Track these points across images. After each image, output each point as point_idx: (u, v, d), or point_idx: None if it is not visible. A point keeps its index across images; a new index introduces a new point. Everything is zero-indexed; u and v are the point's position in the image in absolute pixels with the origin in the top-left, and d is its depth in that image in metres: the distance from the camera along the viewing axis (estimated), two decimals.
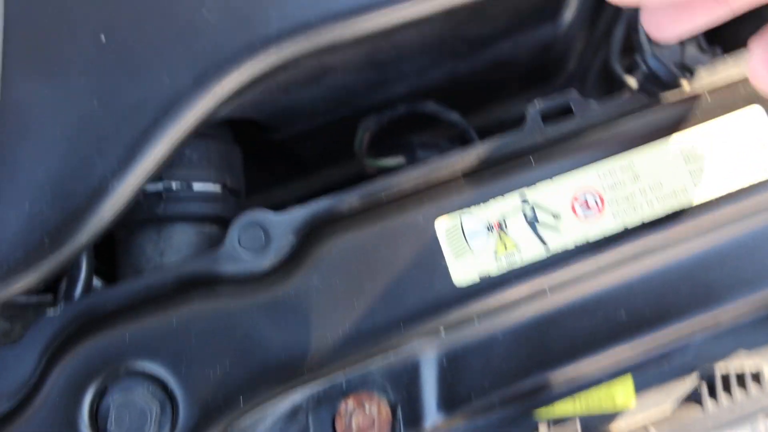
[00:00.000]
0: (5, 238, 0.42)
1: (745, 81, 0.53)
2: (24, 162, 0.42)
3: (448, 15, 0.47)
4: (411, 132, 0.65)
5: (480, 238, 0.49)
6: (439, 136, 0.65)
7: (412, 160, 0.63)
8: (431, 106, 0.60)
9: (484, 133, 0.66)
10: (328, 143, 0.65)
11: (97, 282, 0.57)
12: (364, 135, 0.60)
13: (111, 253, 0.57)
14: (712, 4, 0.42)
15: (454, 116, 0.60)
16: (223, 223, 0.56)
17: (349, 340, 0.48)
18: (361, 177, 0.67)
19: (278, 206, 0.74)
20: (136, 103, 0.43)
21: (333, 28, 0.45)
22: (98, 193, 0.43)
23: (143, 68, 0.43)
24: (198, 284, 0.48)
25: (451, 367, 0.52)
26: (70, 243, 0.43)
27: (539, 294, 0.51)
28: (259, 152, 0.64)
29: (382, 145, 0.64)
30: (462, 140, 0.62)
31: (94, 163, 0.43)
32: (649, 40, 0.53)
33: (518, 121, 0.52)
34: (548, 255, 0.50)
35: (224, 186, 0.56)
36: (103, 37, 0.43)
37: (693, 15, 0.43)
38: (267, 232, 0.49)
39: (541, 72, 0.66)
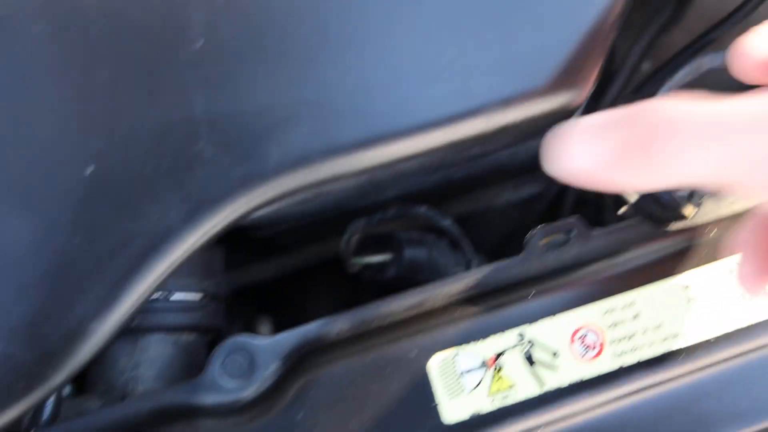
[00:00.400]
0: None
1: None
2: None
3: (453, 146, 0.45)
4: (399, 228, 0.62)
5: (473, 376, 0.47)
6: (425, 229, 0.63)
7: (399, 258, 0.61)
8: (423, 211, 0.58)
9: (471, 221, 0.65)
10: (312, 235, 0.63)
11: (66, 388, 0.54)
12: (350, 238, 0.58)
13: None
14: None
15: (447, 223, 0.58)
16: (202, 331, 0.53)
17: None
18: (339, 258, 0.65)
19: (255, 284, 0.72)
20: (122, 241, 0.40)
21: (334, 163, 0.42)
22: (76, 335, 0.40)
23: (132, 203, 0.40)
24: (176, 417, 0.46)
25: None
26: (44, 385, 0.40)
27: (533, 430, 0.49)
28: (240, 241, 0.61)
29: (367, 239, 0.62)
30: (451, 242, 0.60)
31: (74, 303, 0.40)
32: None
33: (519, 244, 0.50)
34: (543, 393, 0.48)
35: (205, 294, 0.53)
36: (90, 169, 0.40)
37: None
38: (252, 358, 0.46)
39: (537, 169, 0.64)
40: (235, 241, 0.62)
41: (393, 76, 0.43)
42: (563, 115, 0.47)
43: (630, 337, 0.48)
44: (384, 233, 0.62)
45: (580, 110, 0.58)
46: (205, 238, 0.42)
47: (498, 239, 0.66)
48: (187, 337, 0.53)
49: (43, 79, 0.40)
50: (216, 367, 0.46)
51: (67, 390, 0.54)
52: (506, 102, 0.44)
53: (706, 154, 0.33)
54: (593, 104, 0.65)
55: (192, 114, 0.41)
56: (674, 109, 0.34)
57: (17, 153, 0.40)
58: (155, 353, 0.52)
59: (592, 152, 0.35)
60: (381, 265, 0.61)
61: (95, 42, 0.40)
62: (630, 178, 0.35)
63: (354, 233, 0.58)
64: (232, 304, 0.78)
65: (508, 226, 0.50)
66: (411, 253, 0.61)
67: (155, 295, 0.51)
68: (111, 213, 0.40)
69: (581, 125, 0.36)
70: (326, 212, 0.56)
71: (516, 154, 0.57)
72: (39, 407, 0.48)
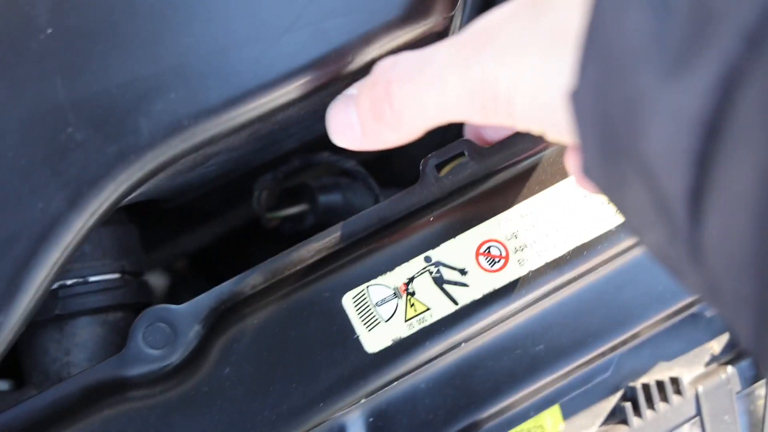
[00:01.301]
0: None
1: None
2: None
3: (325, 87, 0.46)
4: (310, 178, 0.63)
5: (388, 305, 0.49)
6: (338, 178, 0.64)
7: (314, 205, 0.62)
8: (326, 157, 0.59)
9: (378, 166, 0.65)
10: (224, 198, 0.63)
11: (3, 384, 0.56)
12: (260, 194, 0.59)
13: (13, 356, 0.55)
14: None
15: (351, 164, 0.59)
16: (128, 308, 0.55)
17: (270, 427, 0.48)
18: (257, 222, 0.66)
19: (180, 258, 0.73)
20: (11, 236, 0.41)
21: (207, 125, 0.43)
22: None
23: (12, 199, 0.41)
24: (106, 391, 0.47)
25: (378, 423, 0.52)
26: None
27: (454, 347, 0.50)
28: (154, 216, 0.62)
29: (281, 193, 0.63)
30: (365, 183, 0.61)
31: None
32: None
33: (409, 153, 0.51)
34: (459, 309, 0.49)
35: (123, 272, 0.54)
36: None
37: None
38: (172, 326, 0.47)
39: None
40: (155, 219, 0.63)
41: (248, 32, 0.43)
42: (428, 40, 0.47)
43: (532, 244, 0.50)
44: (296, 184, 0.63)
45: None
46: (94, 218, 0.42)
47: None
48: (114, 316, 0.54)
49: None
50: (138, 339, 0.47)
51: (5, 386, 0.55)
52: (365, 39, 0.45)
53: (433, 94, 0.39)
54: None
55: (56, 101, 0.41)
56: (398, 60, 0.40)
57: None
58: (84, 336, 0.53)
59: (349, 122, 0.43)
60: (298, 216, 0.62)
61: None
62: (390, 134, 0.41)
63: (262, 189, 0.59)
64: (177, 280, 0.80)
65: (412, 166, 0.51)
66: (325, 199, 0.62)
67: (72, 281, 0.52)
68: None
69: (339, 98, 0.44)
70: (228, 173, 0.56)
71: None
72: None
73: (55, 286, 0.52)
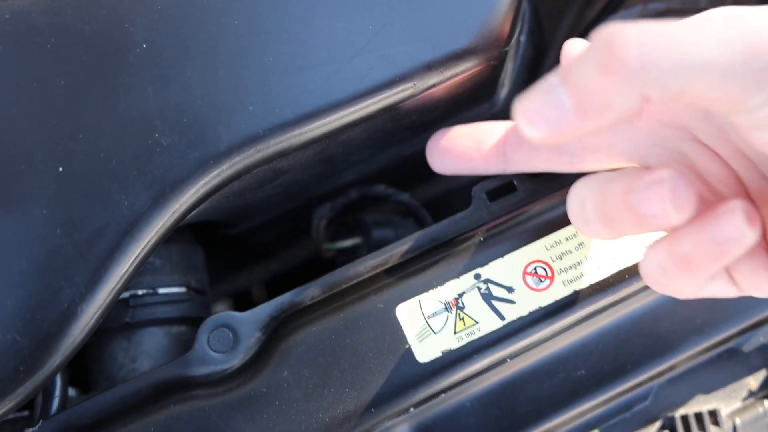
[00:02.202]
0: None
1: None
2: None
3: (388, 111, 0.49)
4: (364, 210, 0.67)
5: (439, 318, 0.52)
6: (391, 212, 0.68)
7: (368, 239, 0.65)
8: (382, 190, 0.62)
9: (434, 204, 0.69)
10: (283, 229, 0.67)
11: (72, 392, 0.59)
12: (319, 224, 0.63)
13: (83, 359, 0.58)
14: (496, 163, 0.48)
15: (405, 197, 0.63)
16: (192, 322, 0.58)
17: (324, 429, 0.50)
18: (319, 256, 0.69)
19: (242, 292, 0.77)
20: (99, 229, 0.45)
21: (280, 138, 0.47)
22: (68, 317, 0.44)
23: (103, 194, 0.45)
24: (172, 389, 0.50)
25: None
26: (44, 367, 0.45)
27: (501, 363, 0.53)
28: (218, 245, 0.66)
29: (337, 226, 0.67)
30: (414, 216, 0.65)
31: (62, 289, 0.44)
32: None
33: (465, 191, 0.55)
34: (505, 325, 0.52)
35: (189, 287, 0.57)
36: (61, 168, 0.45)
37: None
38: (235, 331, 0.51)
39: None
40: (219, 249, 0.67)
41: (322, 53, 0.48)
42: (483, 73, 0.51)
43: (577, 265, 0.53)
44: (352, 219, 0.67)
45: (513, 74, 0.63)
46: (173, 218, 0.46)
47: None
48: (178, 329, 0.57)
49: (8, 96, 0.45)
50: (203, 342, 0.50)
51: (73, 393, 0.58)
52: (427, 66, 0.49)
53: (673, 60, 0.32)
54: (531, 79, 0.70)
55: (146, 108, 0.46)
56: (625, 30, 0.33)
57: None
58: (150, 345, 0.56)
59: (554, 100, 0.36)
60: (353, 248, 0.66)
61: (51, 56, 0.45)
62: (621, 90, 0.34)
63: (321, 218, 0.63)
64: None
65: (469, 203, 0.55)
66: (379, 233, 0.65)
67: (142, 291, 0.55)
68: (85, 205, 0.45)
69: (535, 89, 0.37)
70: (291, 199, 0.60)
71: (458, 123, 0.61)
72: (47, 404, 0.52)
73: (126, 295, 0.55)
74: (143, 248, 0.46)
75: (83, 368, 0.59)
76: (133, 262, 0.46)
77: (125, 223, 0.45)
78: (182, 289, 0.57)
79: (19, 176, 0.45)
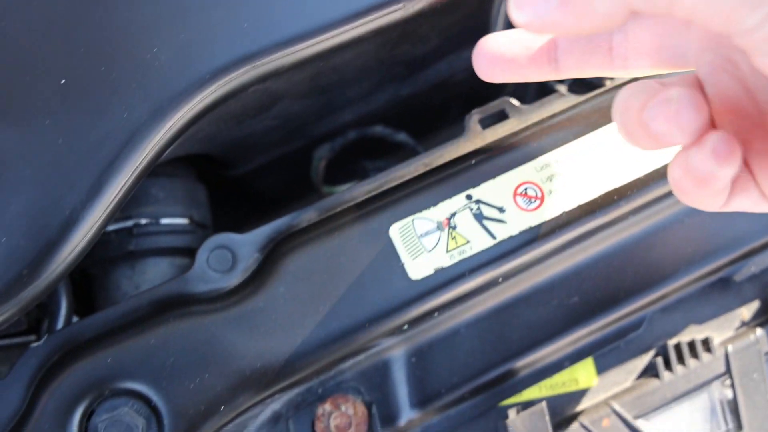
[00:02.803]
0: None
1: None
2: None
3: (378, 35, 0.51)
4: (365, 159, 0.68)
5: (432, 237, 0.53)
6: (391, 160, 0.69)
7: None
8: (380, 130, 0.64)
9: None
10: (285, 176, 0.69)
11: (76, 320, 0.60)
12: (319, 163, 0.64)
13: (88, 293, 0.60)
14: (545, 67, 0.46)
15: (402, 137, 0.64)
16: (193, 254, 0.59)
17: (320, 344, 0.52)
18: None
19: None
20: (99, 139, 0.47)
21: (274, 55, 0.49)
22: (70, 223, 0.46)
23: (103, 106, 0.47)
24: (172, 305, 0.52)
25: (419, 364, 0.55)
26: (47, 273, 0.46)
27: (493, 283, 0.54)
28: (221, 191, 0.68)
29: (337, 173, 0.68)
30: (413, 150, 0.66)
31: (64, 196, 0.46)
32: None
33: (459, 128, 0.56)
34: (497, 244, 0.53)
35: (191, 219, 0.59)
36: (63, 80, 0.47)
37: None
38: (233, 252, 0.52)
39: (481, 92, 0.70)
40: (221, 198, 0.68)
41: None
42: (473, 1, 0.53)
43: (566, 187, 0.54)
44: (353, 164, 0.68)
45: None
46: (171, 132, 0.48)
47: None
48: (180, 260, 0.59)
49: (13, 10, 0.47)
50: (203, 261, 0.52)
51: (76, 320, 0.60)
52: None
53: None
54: None
55: (144, 24, 0.48)
56: None
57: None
58: (153, 274, 0.58)
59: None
60: None
61: None
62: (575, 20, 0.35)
63: (320, 158, 0.64)
64: None
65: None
66: None
67: (145, 220, 0.57)
68: (85, 115, 0.47)
69: None
70: (290, 136, 0.62)
71: (452, 66, 0.63)
72: (52, 323, 0.54)
73: (130, 224, 0.57)
74: (143, 159, 0.48)
75: (88, 301, 0.61)
76: (133, 172, 0.48)
77: (124, 133, 0.47)
78: (185, 221, 0.59)
79: (24, 88, 0.46)
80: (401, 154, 0.69)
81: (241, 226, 0.73)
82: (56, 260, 0.46)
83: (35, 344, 0.50)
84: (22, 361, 0.50)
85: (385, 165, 0.68)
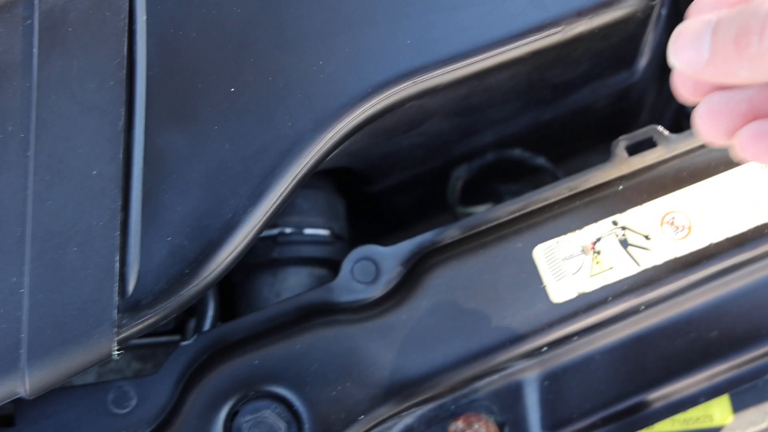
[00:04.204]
0: (151, 269, 0.47)
1: None
2: (166, 202, 0.48)
3: (534, 57, 0.52)
4: (498, 181, 0.69)
5: (575, 261, 0.53)
6: (526, 185, 0.69)
7: None
8: (518, 153, 0.64)
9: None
10: (420, 195, 0.70)
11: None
12: (456, 183, 0.65)
13: (230, 299, 0.62)
14: None
15: (541, 160, 0.64)
16: (333, 265, 0.61)
17: (459, 361, 0.52)
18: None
19: None
20: (263, 146, 0.48)
21: (434, 73, 0.50)
22: (231, 226, 0.48)
23: (268, 114, 0.49)
24: (317, 313, 0.53)
25: (553, 388, 0.55)
26: (206, 273, 0.48)
27: (634, 311, 0.54)
28: (358, 207, 0.69)
29: (472, 195, 0.69)
30: (552, 175, 0.66)
31: (227, 200, 0.48)
32: None
33: (606, 155, 0.56)
34: (641, 272, 0.53)
35: (332, 231, 0.60)
36: (233, 89, 0.48)
37: None
38: (377, 264, 0.53)
39: (617, 121, 0.70)
40: (358, 214, 0.70)
41: None
42: (628, 27, 0.53)
43: (716, 218, 0.53)
44: (487, 187, 0.69)
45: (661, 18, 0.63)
46: (331, 142, 0.49)
47: None
48: (320, 271, 0.60)
49: (188, 20, 0.49)
50: (347, 271, 0.53)
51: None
52: (577, 13, 0.51)
53: None
54: None
55: (312, 37, 0.49)
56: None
57: (174, 80, 0.49)
58: (293, 283, 0.59)
59: (698, 42, 0.39)
60: None
61: None
62: (743, 69, 0.37)
63: (458, 178, 0.65)
64: None
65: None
66: None
67: (290, 230, 0.59)
68: (252, 123, 0.48)
69: (696, 19, 0.40)
70: (432, 154, 0.63)
71: (596, 92, 0.63)
72: (200, 323, 0.56)
73: (274, 232, 0.59)
74: (302, 168, 0.49)
75: (231, 308, 0.62)
76: (292, 180, 0.49)
77: (287, 142, 0.49)
78: (326, 232, 0.60)
79: (195, 94, 0.48)
80: (536, 179, 0.69)
81: (374, 242, 0.75)
82: (216, 261, 0.48)
83: (185, 343, 0.52)
84: (172, 359, 0.52)
85: (519, 189, 0.69)
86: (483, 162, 0.65)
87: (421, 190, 0.69)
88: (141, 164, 0.47)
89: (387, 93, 0.49)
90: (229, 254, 0.48)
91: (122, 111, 0.47)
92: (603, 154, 0.58)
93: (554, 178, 0.65)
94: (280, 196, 0.49)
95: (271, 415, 0.50)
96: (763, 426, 0.58)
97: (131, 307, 0.47)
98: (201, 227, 0.48)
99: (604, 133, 0.69)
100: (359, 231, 0.74)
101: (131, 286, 0.46)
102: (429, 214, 0.76)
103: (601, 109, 0.66)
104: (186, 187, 0.48)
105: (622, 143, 0.56)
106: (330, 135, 0.49)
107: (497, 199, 0.68)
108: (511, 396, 0.55)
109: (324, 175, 0.62)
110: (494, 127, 0.62)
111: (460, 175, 0.65)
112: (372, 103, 0.49)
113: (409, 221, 0.76)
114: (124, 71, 0.47)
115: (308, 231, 0.59)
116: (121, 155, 0.47)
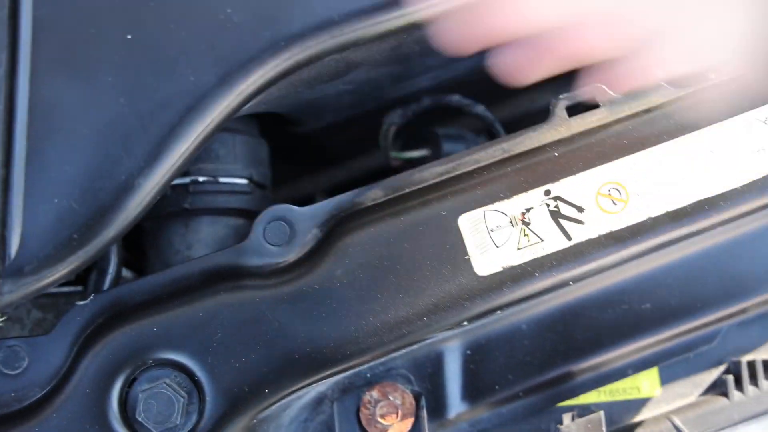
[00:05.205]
0: (36, 233, 0.43)
1: None
2: (53, 159, 0.43)
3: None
4: (436, 124, 0.65)
5: (503, 232, 0.50)
6: (465, 127, 0.65)
7: (438, 153, 0.63)
8: (456, 99, 0.60)
9: (510, 125, 0.66)
10: (353, 135, 0.66)
11: (126, 273, 0.59)
12: (389, 129, 0.61)
13: (140, 243, 0.58)
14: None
15: (480, 109, 0.60)
16: (251, 216, 0.57)
17: (374, 332, 0.49)
18: (387, 168, 0.67)
19: (305, 198, 0.76)
20: (162, 102, 0.44)
21: (356, 25, 0.45)
22: (125, 190, 0.44)
23: (169, 67, 0.44)
24: (224, 277, 0.49)
25: (475, 358, 0.53)
26: (98, 239, 0.44)
27: (563, 285, 0.51)
28: (286, 144, 0.65)
29: (408, 136, 0.65)
30: (488, 133, 0.63)
31: (121, 160, 0.44)
32: None
33: (544, 114, 0.52)
34: (571, 247, 0.50)
35: (250, 180, 0.56)
36: (129, 36, 0.44)
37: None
38: (292, 226, 0.49)
39: (570, 74, 0.65)
40: (286, 149, 0.65)
41: None
42: None
43: (656, 191, 0.50)
44: (423, 130, 0.65)
45: None
46: (239, 99, 0.45)
47: None
48: (236, 221, 0.56)
49: None
50: (259, 233, 0.49)
51: (127, 274, 0.58)
52: None
53: None
54: None
55: None
56: None
57: (63, 26, 0.44)
58: (206, 234, 0.55)
59: None
60: (421, 160, 0.64)
61: None
62: None
63: (391, 123, 0.61)
64: None
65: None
66: (449, 147, 0.63)
67: (203, 178, 0.55)
68: (150, 76, 0.44)
69: None
70: (363, 100, 0.58)
71: None
72: (100, 280, 0.52)
73: (187, 180, 0.55)
74: (206, 127, 0.45)
75: (140, 252, 0.59)
76: (194, 140, 0.45)
77: (190, 98, 0.44)
78: (244, 181, 0.56)
79: (87, 40, 0.44)
80: (475, 122, 0.65)
81: (301, 179, 0.71)
82: (108, 227, 0.44)
83: (81, 302, 0.48)
84: (66, 319, 0.48)
85: (457, 133, 0.64)
86: (418, 108, 0.61)
87: (354, 130, 0.65)
88: (25, 116, 0.43)
89: (301, 46, 0.45)
90: (124, 219, 0.45)
91: (4, 55, 0.42)
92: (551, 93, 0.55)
93: (492, 129, 0.61)
94: (182, 156, 0.45)
95: (170, 385, 0.47)
96: (690, 400, 0.56)
97: (14, 272, 0.43)
98: (92, 189, 0.44)
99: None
100: (292, 166, 0.70)
101: (13, 250, 0.43)
102: (364, 151, 0.72)
103: None
104: (75, 144, 0.44)
105: (561, 103, 0.51)
106: (238, 90, 0.45)
107: (434, 142, 0.64)
108: (430, 365, 0.52)
109: (244, 118, 0.58)
110: (430, 72, 0.58)
111: (393, 120, 0.61)
112: (285, 56, 0.45)
113: (342, 158, 0.72)
114: (7, 9, 0.42)
115: (224, 180, 0.55)
116: (2, 105, 0.42)
